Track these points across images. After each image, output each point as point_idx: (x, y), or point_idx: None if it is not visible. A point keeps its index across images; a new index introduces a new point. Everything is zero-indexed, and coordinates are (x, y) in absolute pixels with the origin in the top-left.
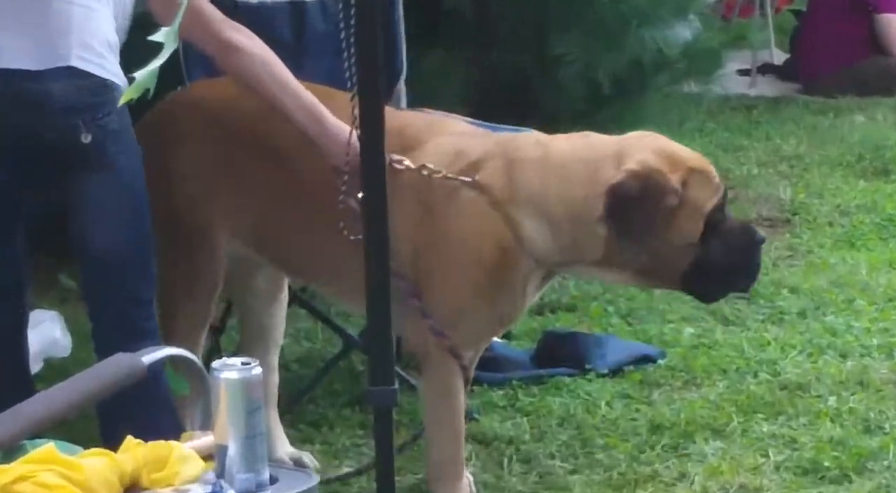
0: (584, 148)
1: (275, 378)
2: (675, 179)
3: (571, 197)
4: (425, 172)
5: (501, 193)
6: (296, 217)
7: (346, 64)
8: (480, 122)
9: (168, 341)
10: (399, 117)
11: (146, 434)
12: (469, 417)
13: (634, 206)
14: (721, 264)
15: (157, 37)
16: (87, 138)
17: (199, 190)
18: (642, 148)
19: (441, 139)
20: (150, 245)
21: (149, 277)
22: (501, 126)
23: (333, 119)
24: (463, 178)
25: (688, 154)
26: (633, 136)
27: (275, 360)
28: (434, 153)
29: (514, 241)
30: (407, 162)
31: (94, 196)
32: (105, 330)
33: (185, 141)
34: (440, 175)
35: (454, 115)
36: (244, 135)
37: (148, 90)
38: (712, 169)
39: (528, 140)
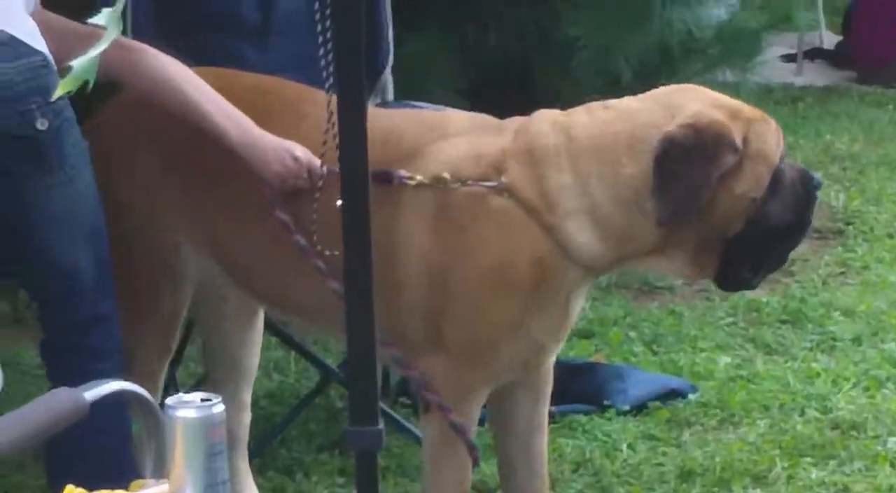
0: (615, 119)
1: (246, 418)
2: (736, 131)
3: (617, 179)
4: (451, 185)
5: (534, 195)
6: (265, 232)
7: (322, 51)
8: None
9: (125, 373)
10: (384, 119)
11: (95, 481)
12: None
13: (689, 159)
14: (780, 221)
15: (98, 19)
16: (43, 125)
17: (158, 203)
18: (692, 100)
19: (443, 143)
20: (109, 257)
21: (109, 291)
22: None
23: (254, 125)
24: (488, 183)
25: (741, 104)
26: (670, 90)
27: (247, 396)
28: (440, 161)
29: (556, 250)
30: (419, 177)
31: (48, 207)
32: (60, 353)
33: (140, 148)
34: (459, 185)
35: (447, 108)
36: (204, 143)
37: (87, 82)
38: (770, 118)
39: (544, 125)
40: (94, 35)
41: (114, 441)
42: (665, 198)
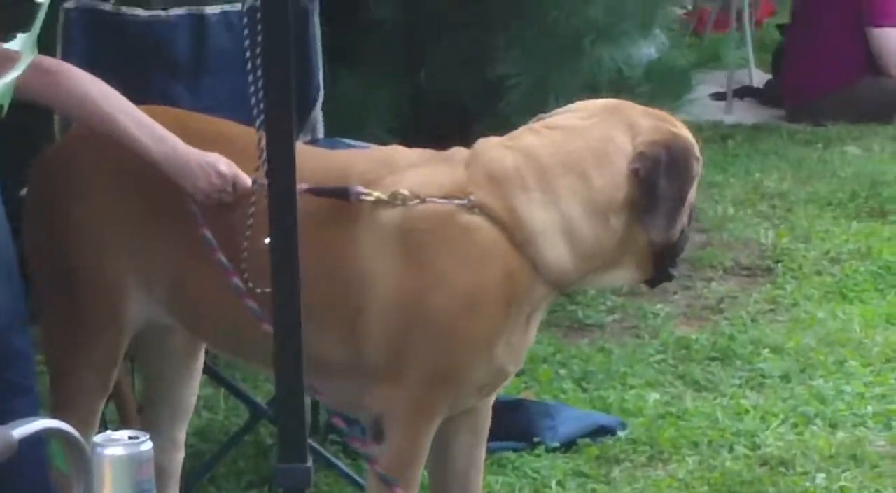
0: (569, 137)
1: (180, 456)
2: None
3: (587, 194)
4: (410, 202)
5: (503, 212)
6: (211, 275)
7: (252, 88)
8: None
9: (60, 412)
10: (336, 159)
11: None
12: None
13: (668, 175)
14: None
15: (13, 44)
16: None
17: (106, 245)
18: (639, 115)
19: (398, 176)
20: (23, 291)
21: (24, 327)
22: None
23: (179, 141)
24: (457, 201)
25: (664, 112)
26: (604, 105)
27: (182, 435)
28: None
29: (527, 267)
30: (377, 194)
31: None
32: None
33: (91, 189)
34: (418, 202)
35: (373, 145)
36: (156, 180)
37: (1, 107)
38: None
39: (495, 150)
40: (9, 59)
41: (36, 473)
42: (657, 216)
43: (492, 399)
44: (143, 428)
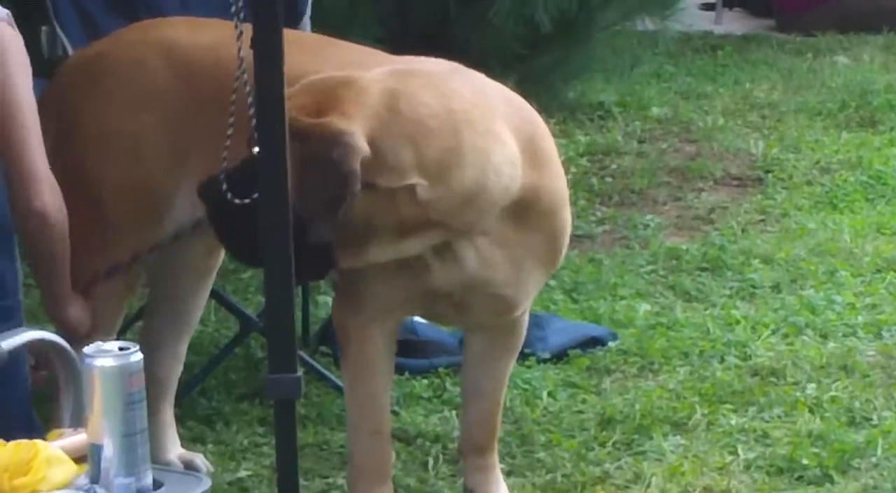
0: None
1: (179, 369)
2: None
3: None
4: None
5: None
6: None
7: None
8: None
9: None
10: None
11: (5, 432)
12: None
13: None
14: None
15: None
16: None
17: (176, 144)
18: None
19: None
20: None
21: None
22: None
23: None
24: None
25: None
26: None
27: (184, 349)
28: None
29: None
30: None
31: None
32: None
33: (169, 89)
34: None
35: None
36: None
37: None
38: None
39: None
40: None
41: (17, 393)
42: None
43: (520, 322)
44: (146, 341)
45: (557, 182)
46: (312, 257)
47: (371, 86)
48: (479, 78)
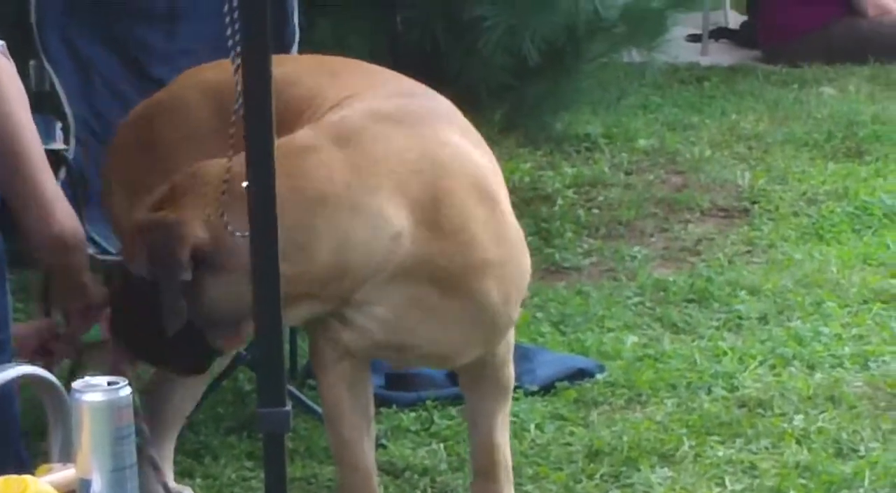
0: None
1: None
2: None
3: None
4: None
5: None
6: None
7: (229, 31)
8: None
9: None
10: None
11: None
12: (376, 443)
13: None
14: None
15: None
16: None
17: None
18: None
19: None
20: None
21: None
22: None
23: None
24: None
25: None
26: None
27: (203, 388)
28: None
29: None
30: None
31: None
32: None
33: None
34: None
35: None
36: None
37: None
38: None
39: None
40: None
41: (5, 428)
42: None
43: (504, 370)
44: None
45: (466, 250)
46: (184, 345)
47: (212, 171)
48: (392, 137)
